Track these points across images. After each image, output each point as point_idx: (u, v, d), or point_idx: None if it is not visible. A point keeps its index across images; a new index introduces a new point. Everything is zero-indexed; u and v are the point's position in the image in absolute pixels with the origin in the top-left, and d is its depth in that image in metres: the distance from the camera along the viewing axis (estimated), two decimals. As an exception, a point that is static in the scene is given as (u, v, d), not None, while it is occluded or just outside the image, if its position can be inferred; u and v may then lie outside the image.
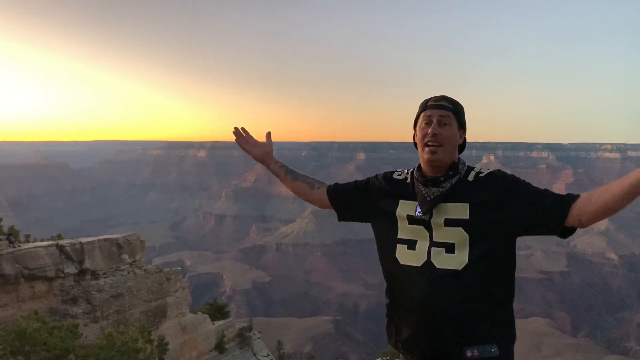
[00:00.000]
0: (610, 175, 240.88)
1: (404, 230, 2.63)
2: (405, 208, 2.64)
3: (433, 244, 2.51)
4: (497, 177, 2.55)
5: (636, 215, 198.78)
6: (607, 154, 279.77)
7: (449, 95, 2.64)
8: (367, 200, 2.85)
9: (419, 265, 2.52)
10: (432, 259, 2.49)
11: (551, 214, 2.37)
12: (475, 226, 2.44)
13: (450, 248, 2.47)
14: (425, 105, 2.62)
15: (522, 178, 2.60)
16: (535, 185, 2.45)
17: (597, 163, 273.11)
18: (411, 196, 2.65)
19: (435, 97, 2.63)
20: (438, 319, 2.44)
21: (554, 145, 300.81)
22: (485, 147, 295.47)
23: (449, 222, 2.49)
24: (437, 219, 2.51)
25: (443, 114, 2.54)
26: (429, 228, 2.54)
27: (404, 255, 2.60)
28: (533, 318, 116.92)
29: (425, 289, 2.47)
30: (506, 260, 2.52)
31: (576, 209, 2.30)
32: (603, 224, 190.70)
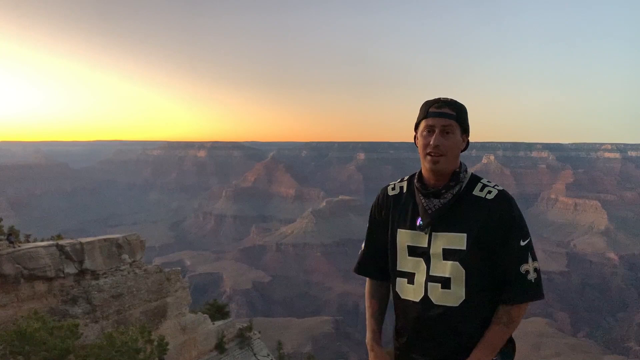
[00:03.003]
0: (611, 175, 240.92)
1: (403, 262, 2.61)
2: (405, 238, 2.61)
3: (429, 278, 2.50)
4: (502, 210, 2.44)
5: (636, 215, 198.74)
6: (607, 154, 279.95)
7: (451, 98, 2.55)
8: (380, 242, 2.79)
9: (417, 301, 2.53)
10: (429, 294, 2.49)
11: (504, 283, 2.49)
12: (472, 259, 2.43)
13: (446, 283, 2.46)
14: (427, 112, 2.51)
15: (525, 229, 2.50)
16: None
17: (597, 163, 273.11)
18: (407, 218, 2.63)
19: (438, 103, 2.51)
20: (439, 350, 2.51)
21: (554, 145, 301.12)
22: (485, 147, 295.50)
23: (447, 253, 2.46)
24: (436, 249, 2.49)
25: (446, 123, 2.46)
26: (427, 260, 2.52)
27: (404, 290, 2.60)
28: (533, 318, 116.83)
29: (423, 325, 2.52)
30: (499, 287, 2.54)
31: (500, 305, 2.52)
32: (603, 223, 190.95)
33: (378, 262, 2.80)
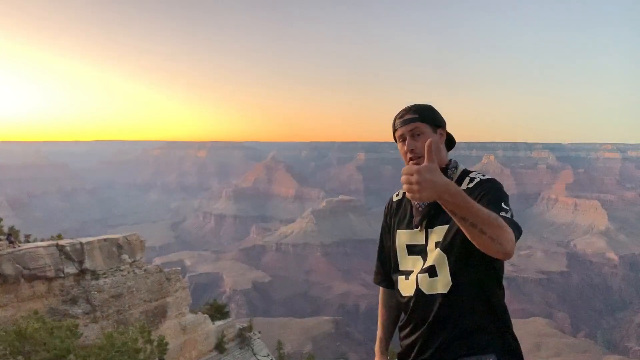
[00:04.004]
0: (611, 175, 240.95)
1: (404, 261, 2.72)
2: (403, 238, 2.73)
3: (420, 270, 2.60)
4: (481, 188, 2.50)
5: (636, 215, 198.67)
6: (607, 154, 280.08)
7: (413, 104, 2.68)
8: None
9: (412, 294, 2.62)
10: (420, 286, 2.58)
11: None
12: (452, 243, 2.47)
13: (432, 272, 2.54)
14: (394, 125, 2.69)
15: (502, 192, 2.46)
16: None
17: (597, 163, 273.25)
18: (406, 219, 2.74)
19: (400, 112, 2.67)
20: (433, 338, 2.56)
21: (554, 145, 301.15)
22: (485, 147, 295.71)
23: (437, 245, 2.55)
24: (431, 244, 2.59)
25: (411, 127, 2.59)
26: (424, 257, 2.61)
27: (403, 287, 2.70)
28: (533, 318, 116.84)
29: (419, 316, 2.59)
30: (490, 273, 2.55)
31: None
32: (603, 223, 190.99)
33: (389, 271, 2.89)
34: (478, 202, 2.28)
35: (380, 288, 3.03)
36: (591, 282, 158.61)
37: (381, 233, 2.99)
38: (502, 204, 2.38)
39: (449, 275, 2.49)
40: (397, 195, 2.91)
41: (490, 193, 2.44)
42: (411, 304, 2.63)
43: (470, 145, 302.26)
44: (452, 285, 2.48)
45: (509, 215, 2.32)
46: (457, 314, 2.51)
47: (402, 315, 2.80)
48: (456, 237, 2.46)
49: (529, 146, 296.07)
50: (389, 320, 3.00)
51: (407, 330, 2.70)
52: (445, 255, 2.49)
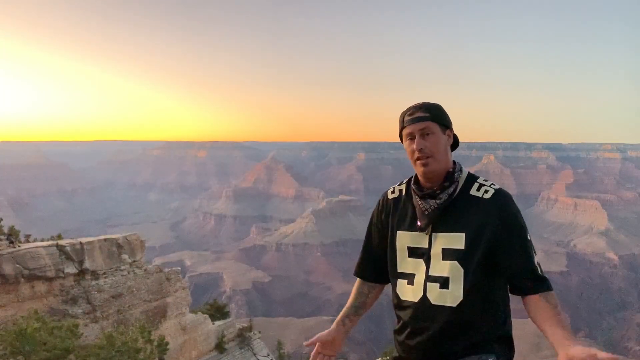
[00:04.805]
0: (611, 175, 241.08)
1: (403, 263, 2.60)
2: (404, 240, 2.61)
3: (428, 278, 2.47)
4: (500, 208, 2.40)
5: (636, 215, 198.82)
6: (607, 154, 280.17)
7: (422, 102, 2.56)
8: (380, 245, 2.78)
9: (416, 301, 2.51)
10: (427, 294, 2.47)
11: (517, 284, 2.40)
12: (470, 259, 2.39)
13: (444, 283, 2.42)
14: (402, 122, 2.55)
15: (523, 223, 2.44)
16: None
17: (597, 163, 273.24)
18: (407, 220, 2.62)
19: (410, 109, 2.53)
20: (434, 348, 2.49)
21: (554, 145, 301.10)
22: (485, 147, 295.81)
23: (446, 253, 2.44)
24: (436, 249, 2.47)
25: (422, 126, 2.46)
26: (427, 261, 2.50)
27: (403, 291, 2.58)
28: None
29: (421, 325, 2.49)
30: (501, 287, 2.49)
31: (525, 299, 2.39)
32: (603, 223, 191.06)
33: (374, 266, 2.80)
34: (498, 236, 2.35)
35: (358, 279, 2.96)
36: (591, 282, 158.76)
37: (369, 229, 2.85)
38: (530, 248, 2.39)
39: (462, 290, 2.39)
40: (393, 192, 2.75)
41: (516, 234, 2.38)
42: (413, 310, 2.52)
43: (470, 145, 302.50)
44: (462, 300, 2.39)
45: (537, 261, 2.38)
46: (463, 328, 2.43)
47: (397, 319, 2.67)
48: (474, 252, 2.39)
49: (529, 146, 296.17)
50: (355, 302, 2.94)
51: (404, 335, 2.59)
52: (462, 271, 2.39)
